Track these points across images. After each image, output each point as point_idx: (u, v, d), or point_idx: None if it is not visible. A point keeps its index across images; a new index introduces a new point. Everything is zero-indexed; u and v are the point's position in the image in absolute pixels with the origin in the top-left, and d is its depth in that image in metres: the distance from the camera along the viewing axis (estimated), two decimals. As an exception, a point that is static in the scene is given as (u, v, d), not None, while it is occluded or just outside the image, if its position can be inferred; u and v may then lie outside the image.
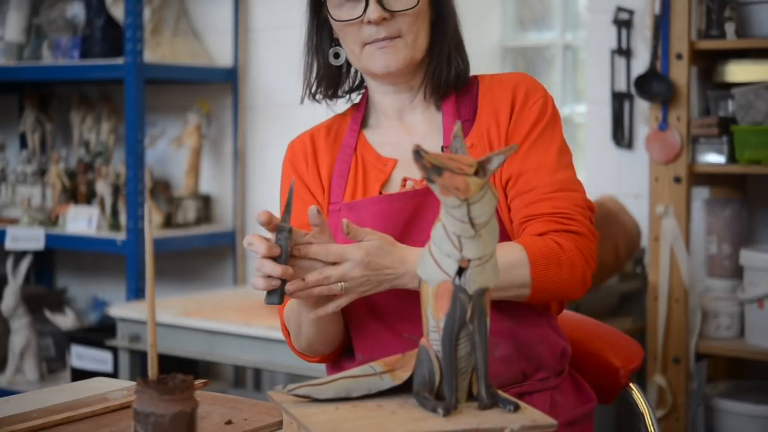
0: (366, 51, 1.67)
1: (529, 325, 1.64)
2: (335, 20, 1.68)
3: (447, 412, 1.23)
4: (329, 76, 1.76)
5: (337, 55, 1.74)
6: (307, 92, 1.77)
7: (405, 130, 1.74)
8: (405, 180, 1.67)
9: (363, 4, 1.64)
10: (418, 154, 1.20)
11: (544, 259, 1.54)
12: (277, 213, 1.56)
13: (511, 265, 1.51)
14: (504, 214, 1.64)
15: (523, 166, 1.63)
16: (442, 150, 1.68)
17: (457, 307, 1.24)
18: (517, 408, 1.23)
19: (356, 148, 1.74)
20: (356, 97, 1.81)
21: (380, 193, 1.69)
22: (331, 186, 1.73)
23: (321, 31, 1.74)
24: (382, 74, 1.68)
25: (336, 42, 1.73)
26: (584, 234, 1.58)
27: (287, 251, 1.41)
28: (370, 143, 1.75)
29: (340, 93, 1.78)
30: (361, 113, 1.78)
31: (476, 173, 1.20)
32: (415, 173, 1.66)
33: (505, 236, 1.61)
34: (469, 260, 1.23)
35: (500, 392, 1.27)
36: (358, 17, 1.64)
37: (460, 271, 1.23)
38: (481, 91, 1.72)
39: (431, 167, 1.20)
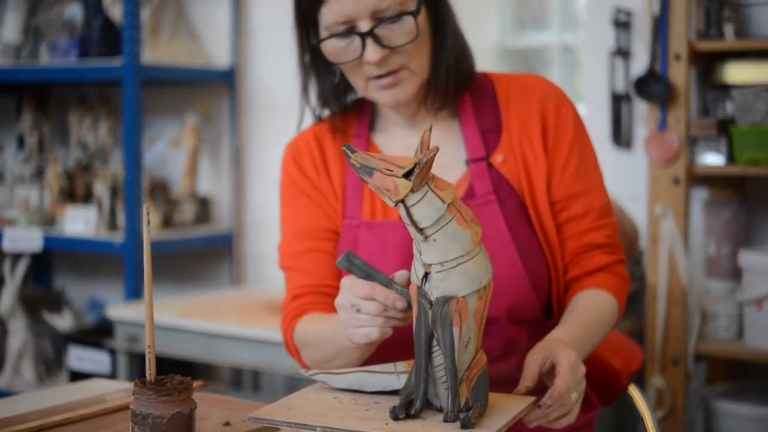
0: (371, 86, 1.57)
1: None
2: (331, 61, 1.57)
3: (395, 417, 1.22)
4: (334, 92, 1.64)
5: (334, 74, 1.63)
6: (314, 115, 1.67)
7: (416, 136, 1.63)
8: None
9: (359, 43, 1.52)
10: (347, 153, 1.17)
11: (623, 297, 1.61)
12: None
13: (612, 313, 1.57)
14: (549, 228, 1.60)
15: (574, 188, 1.61)
16: (467, 164, 1.60)
17: (422, 313, 1.22)
18: (466, 426, 1.19)
19: None
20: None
21: None
22: (345, 198, 1.63)
23: (314, 52, 1.61)
24: (392, 106, 1.60)
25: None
26: (625, 258, 1.66)
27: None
28: (382, 151, 1.64)
29: (347, 102, 1.68)
30: (368, 116, 1.67)
31: (408, 175, 1.16)
32: None
33: (539, 249, 1.58)
34: (430, 265, 1.20)
35: (476, 406, 1.22)
36: (357, 58, 1.53)
37: (427, 276, 1.21)
38: (501, 97, 1.64)
39: (361, 167, 1.17)
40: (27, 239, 3.57)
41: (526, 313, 1.57)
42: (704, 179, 2.92)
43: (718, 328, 2.84)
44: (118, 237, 3.44)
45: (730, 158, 2.77)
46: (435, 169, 1.20)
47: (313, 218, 1.64)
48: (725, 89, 2.83)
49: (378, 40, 1.51)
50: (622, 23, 3.07)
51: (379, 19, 1.51)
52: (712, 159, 2.81)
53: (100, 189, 3.59)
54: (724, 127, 2.78)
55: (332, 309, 1.56)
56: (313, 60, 1.62)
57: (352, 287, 1.32)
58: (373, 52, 1.51)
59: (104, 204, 3.58)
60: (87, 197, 3.75)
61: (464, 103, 1.63)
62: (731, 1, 2.76)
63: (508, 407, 1.28)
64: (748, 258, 2.77)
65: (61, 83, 3.98)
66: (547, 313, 1.61)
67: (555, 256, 1.60)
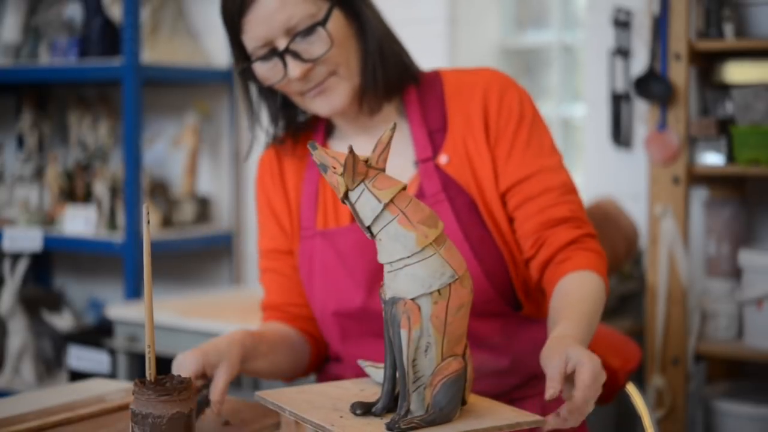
0: (307, 98, 1.59)
1: (524, 337, 1.62)
2: (263, 84, 1.59)
3: (353, 412, 1.22)
4: (284, 113, 1.68)
5: (277, 95, 1.66)
6: (267, 135, 1.70)
7: (371, 141, 1.63)
8: None
9: (281, 64, 1.54)
10: (311, 149, 1.19)
11: (605, 273, 1.56)
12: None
13: (603, 298, 1.51)
14: (503, 224, 1.59)
15: (525, 170, 1.58)
16: (416, 165, 1.60)
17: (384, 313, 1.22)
18: (391, 428, 1.16)
19: None
20: None
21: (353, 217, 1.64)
22: (300, 210, 1.65)
23: (255, 78, 1.62)
24: (330, 115, 1.61)
25: None
26: (595, 233, 1.59)
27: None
28: None
29: (299, 120, 1.70)
30: (323, 126, 1.69)
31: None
32: None
33: (493, 246, 1.57)
34: (383, 264, 1.20)
35: (423, 415, 1.18)
36: (283, 77, 1.55)
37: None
38: (448, 94, 1.63)
39: (319, 164, 1.20)
40: (27, 239, 3.57)
41: (487, 307, 1.56)
42: (704, 179, 2.92)
43: (718, 328, 2.84)
44: (118, 237, 3.44)
45: (730, 158, 2.77)
46: (387, 170, 1.21)
47: (270, 239, 1.70)
48: (725, 89, 2.83)
49: (297, 56, 1.53)
50: (622, 23, 3.07)
51: (294, 35, 1.52)
52: (712, 159, 2.81)
53: (100, 189, 3.59)
54: (724, 127, 2.78)
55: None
56: (258, 86, 1.65)
57: None
58: (293, 68, 1.53)
59: (104, 204, 3.57)
60: (87, 197, 3.74)
61: (412, 103, 1.63)
62: (731, 1, 2.76)
63: (502, 416, 1.23)
64: (748, 258, 2.77)
65: (60, 83, 3.97)
66: (515, 305, 1.60)
67: (512, 251, 1.58)
